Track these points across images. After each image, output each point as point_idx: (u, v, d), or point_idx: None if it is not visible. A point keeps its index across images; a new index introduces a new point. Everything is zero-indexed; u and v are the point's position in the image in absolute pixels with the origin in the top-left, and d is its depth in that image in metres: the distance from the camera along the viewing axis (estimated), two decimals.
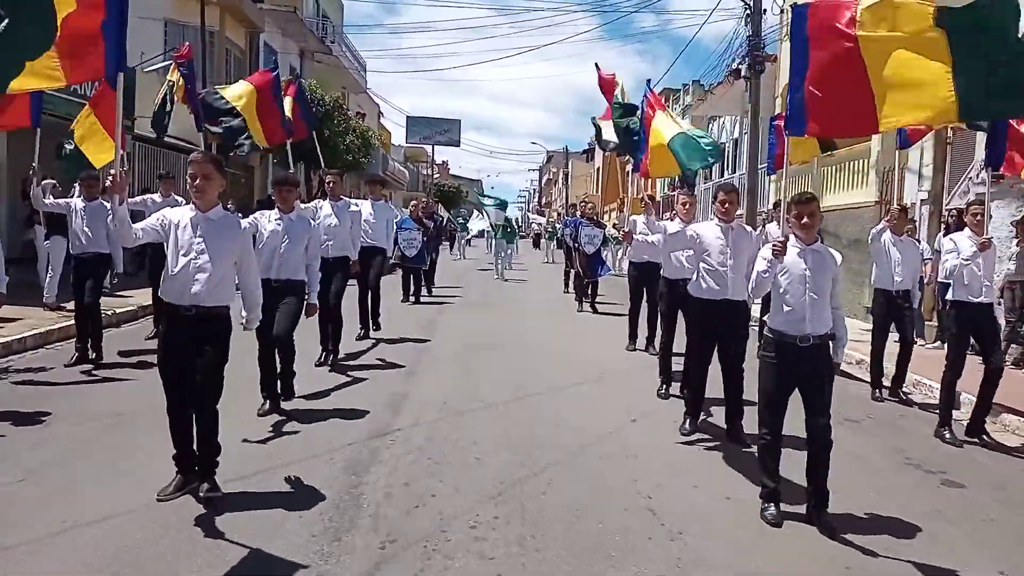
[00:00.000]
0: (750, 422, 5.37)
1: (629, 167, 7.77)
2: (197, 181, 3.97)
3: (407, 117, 52.31)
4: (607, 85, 7.62)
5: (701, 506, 4.27)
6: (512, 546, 3.64)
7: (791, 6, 4.27)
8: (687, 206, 6.94)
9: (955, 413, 6.13)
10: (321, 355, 7.44)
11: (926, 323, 10.28)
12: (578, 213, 14.23)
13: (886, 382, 7.35)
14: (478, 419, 5.85)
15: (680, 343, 6.29)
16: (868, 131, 4.60)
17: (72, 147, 7.38)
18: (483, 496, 4.25)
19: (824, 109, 4.11)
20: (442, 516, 3.96)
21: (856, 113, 4.05)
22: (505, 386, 6.97)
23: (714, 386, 5.76)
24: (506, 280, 19.08)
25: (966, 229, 6.15)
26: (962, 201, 10.50)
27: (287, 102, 9.14)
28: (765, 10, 15.54)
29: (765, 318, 4.33)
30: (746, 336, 5.66)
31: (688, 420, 5.67)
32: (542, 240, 35.17)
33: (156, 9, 17.86)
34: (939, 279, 9.25)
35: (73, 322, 7.44)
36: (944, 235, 9.28)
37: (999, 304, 8.10)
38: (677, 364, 6.72)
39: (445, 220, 28.92)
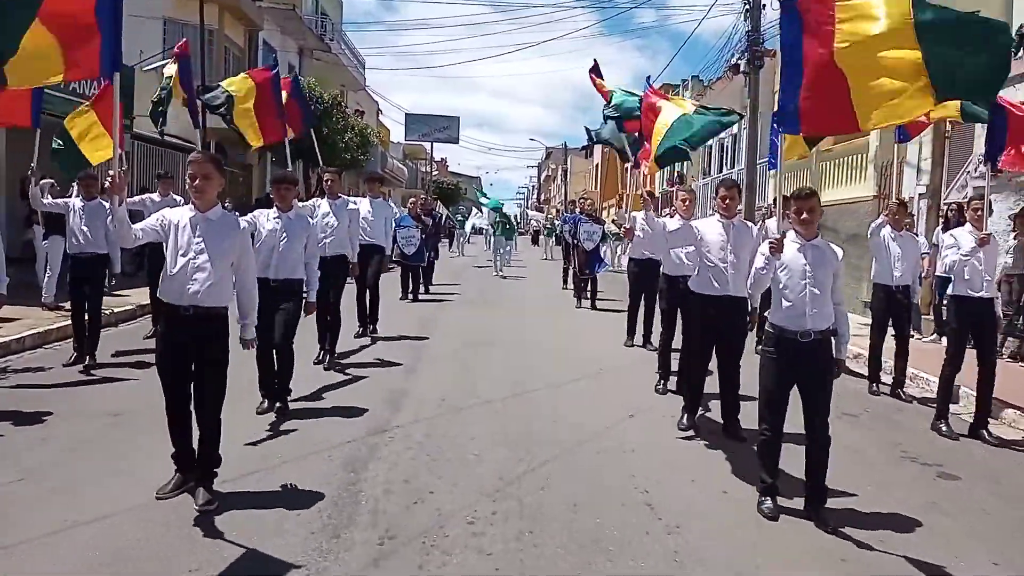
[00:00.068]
0: (747, 418, 5.40)
1: (628, 164, 7.73)
2: (196, 181, 3.97)
3: (406, 114, 52.48)
4: (603, 95, 7.56)
5: (698, 501, 4.29)
6: (510, 541, 3.66)
7: (781, 2, 4.23)
8: (687, 202, 6.93)
9: (952, 407, 6.15)
10: (319, 353, 7.46)
11: (923, 317, 10.29)
12: (577, 209, 14.24)
13: (885, 377, 7.36)
14: (476, 416, 5.86)
15: (678, 339, 6.31)
16: (851, 130, 4.59)
17: (60, 144, 7.32)
18: (481, 492, 4.27)
19: (810, 108, 4.09)
20: (440, 512, 3.97)
21: (839, 111, 4.02)
22: (503, 383, 6.98)
23: (711, 382, 5.77)
24: (504, 277, 19.09)
25: (967, 224, 6.15)
26: (961, 195, 10.52)
27: (282, 96, 9.12)
28: (764, 5, 15.51)
29: (766, 314, 4.34)
30: (745, 332, 5.67)
31: (686, 416, 5.69)
32: (541, 237, 35.20)
33: (155, 8, 17.85)
34: (937, 274, 9.27)
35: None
36: (943, 230, 9.30)
37: (997, 299, 8.10)
38: (675, 360, 6.75)
39: (444, 217, 28.95)
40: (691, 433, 5.56)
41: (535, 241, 39.65)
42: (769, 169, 14.87)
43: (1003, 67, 3.78)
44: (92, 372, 6.83)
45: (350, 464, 4.63)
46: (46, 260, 9.95)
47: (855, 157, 14.11)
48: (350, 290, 8.22)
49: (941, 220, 10.79)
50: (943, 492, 4.67)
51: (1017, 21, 10.48)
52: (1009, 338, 8.74)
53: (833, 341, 4.18)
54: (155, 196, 8.76)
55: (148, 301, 9.09)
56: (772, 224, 7.86)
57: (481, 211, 25.37)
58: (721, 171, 23.15)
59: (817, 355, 4.10)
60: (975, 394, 5.95)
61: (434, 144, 55.73)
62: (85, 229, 7.09)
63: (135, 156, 15.25)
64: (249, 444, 4.91)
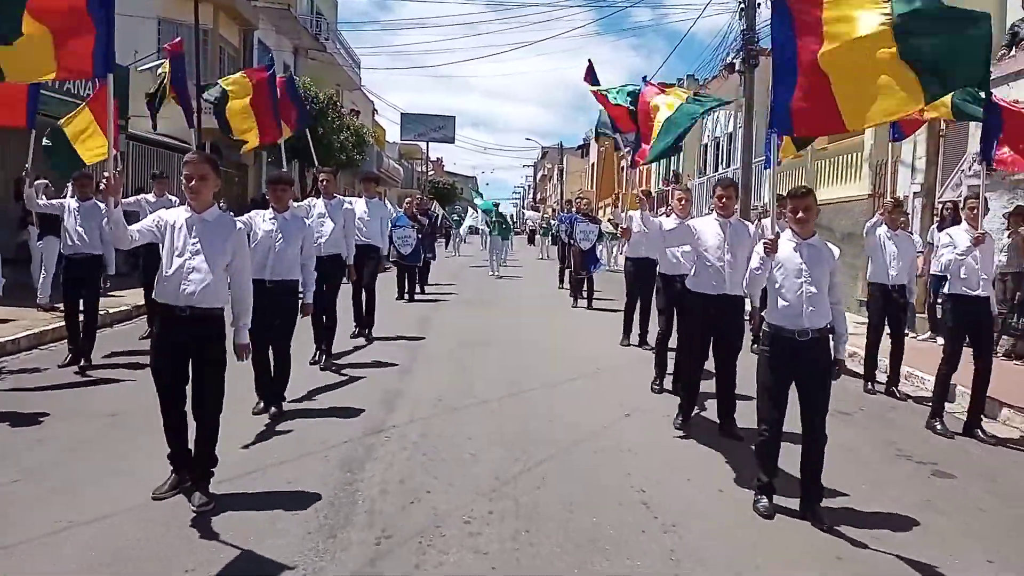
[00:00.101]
0: (742, 416, 5.42)
1: (624, 163, 7.74)
2: (192, 182, 3.96)
3: (401, 114, 52.53)
4: (599, 99, 7.56)
5: (695, 499, 4.30)
6: (506, 541, 3.67)
7: (772, 1, 4.20)
8: (683, 201, 6.95)
9: (947, 405, 6.18)
10: (315, 354, 7.45)
11: (917, 315, 10.32)
12: (573, 209, 14.25)
13: (880, 376, 7.39)
14: (472, 415, 5.87)
15: (674, 339, 6.32)
16: (839, 131, 4.58)
17: (50, 143, 7.28)
18: (477, 492, 4.28)
19: (801, 109, 4.08)
20: (437, 512, 3.98)
21: (826, 111, 4.02)
22: (499, 383, 6.99)
23: (708, 381, 5.79)
24: (500, 277, 19.09)
25: (963, 223, 6.17)
26: (955, 194, 10.54)
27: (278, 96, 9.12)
28: (759, 4, 15.53)
29: (763, 313, 4.34)
30: (742, 331, 5.69)
31: (682, 415, 5.71)
32: (537, 236, 35.21)
33: (150, 7, 17.84)
34: (932, 272, 9.30)
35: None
36: (938, 228, 9.32)
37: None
38: (671, 359, 6.76)
39: (440, 217, 28.93)
40: (687, 432, 5.57)
41: (531, 241, 39.68)
42: (765, 168, 14.88)
43: (983, 52, 3.74)
44: (88, 373, 6.81)
45: (346, 464, 4.63)
46: (41, 261, 9.93)
47: (849, 156, 14.14)
48: (346, 290, 8.22)
49: (936, 219, 10.81)
50: (938, 490, 4.69)
51: (1010, 18, 10.54)
52: (1004, 336, 8.77)
53: (832, 341, 4.19)
54: (151, 197, 8.73)
55: (143, 302, 9.06)
56: (768, 224, 7.88)
57: (477, 212, 25.38)
58: (716, 170, 23.16)
59: (815, 354, 4.11)
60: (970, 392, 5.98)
61: (430, 144, 55.79)
62: (80, 230, 7.05)
63: (130, 156, 15.22)
64: (245, 445, 4.91)
